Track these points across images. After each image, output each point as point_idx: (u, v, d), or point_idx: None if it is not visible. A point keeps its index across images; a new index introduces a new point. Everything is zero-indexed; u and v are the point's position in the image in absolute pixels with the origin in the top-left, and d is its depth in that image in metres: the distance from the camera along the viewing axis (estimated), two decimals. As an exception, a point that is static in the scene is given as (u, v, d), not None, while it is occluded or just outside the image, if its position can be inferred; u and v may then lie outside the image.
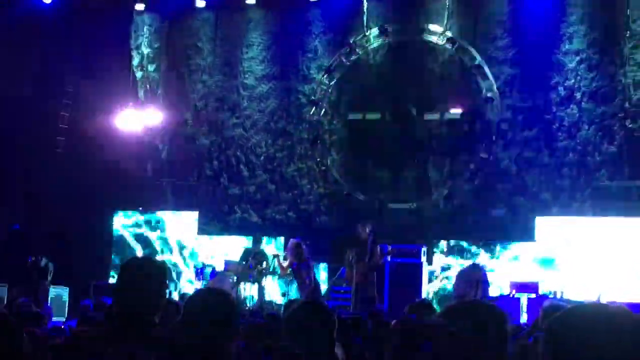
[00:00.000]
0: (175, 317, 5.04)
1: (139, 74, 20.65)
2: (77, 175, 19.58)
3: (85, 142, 19.87)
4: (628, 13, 17.65)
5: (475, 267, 15.93)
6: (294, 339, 4.47)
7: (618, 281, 16.76)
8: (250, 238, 18.21)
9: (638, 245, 16.92)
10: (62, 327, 9.59)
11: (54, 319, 12.51)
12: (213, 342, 4.12)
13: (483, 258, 17.82)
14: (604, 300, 15.65)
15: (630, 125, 17.51)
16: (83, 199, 19.52)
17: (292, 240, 16.53)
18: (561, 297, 16.16)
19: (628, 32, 17.65)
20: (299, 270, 16.17)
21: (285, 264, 16.47)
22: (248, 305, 16.43)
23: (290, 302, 8.75)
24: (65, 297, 17.61)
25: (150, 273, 4.56)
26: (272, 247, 18.60)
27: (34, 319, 8.60)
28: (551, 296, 16.01)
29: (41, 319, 8.87)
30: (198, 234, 19.89)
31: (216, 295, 4.42)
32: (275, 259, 16.98)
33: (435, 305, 14.08)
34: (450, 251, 18.24)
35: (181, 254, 19.83)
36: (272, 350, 4.21)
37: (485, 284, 15.52)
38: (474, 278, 15.25)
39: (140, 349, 4.25)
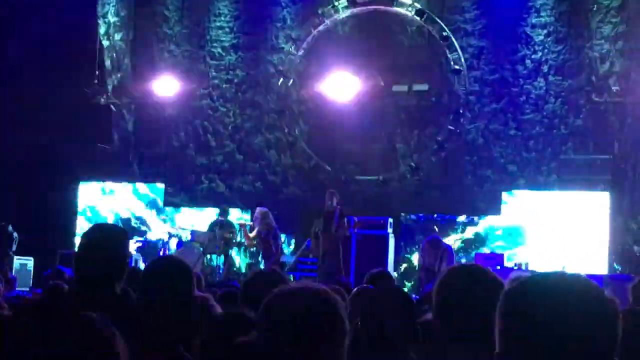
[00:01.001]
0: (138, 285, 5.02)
1: (105, 43, 20.45)
2: (41, 144, 19.41)
3: (52, 110, 19.69)
4: (595, -14, 17.69)
5: (438, 240, 16.03)
6: (251, 307, 4.46)
7: (582, 254, 16.94)
8: (217, 209, 18.17)
9: (601, 218, 17.10)
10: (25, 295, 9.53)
11: (18, 288, 12.43)
12: (173, 312, 4.11)
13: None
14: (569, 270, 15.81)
15: (596, 99, 17.60)
16: (48, 168, 19.37)
17: (259, 209, 16.52)
18: (526, 268, 16.30)
19: (595, 5, 17.70)
20: (267, 239, 16.17)
21: (252, 234, 16.47)
22: (215, 275, 16.43)
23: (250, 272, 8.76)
24: (30, 267, 17.52)
25: (111, 240, 4.54)
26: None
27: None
28: (516, 268, 16.15)
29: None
30: (164, 205, 19.84)
31: (173, 263, 4.42)
32: (242, 229, 16.97)
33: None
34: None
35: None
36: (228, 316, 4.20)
37: (451, 255, 15.65)
38: (439, 250, 15.36)
39: (99, 316, 4.22)
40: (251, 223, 16.85)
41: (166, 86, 19.81)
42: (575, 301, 2.08)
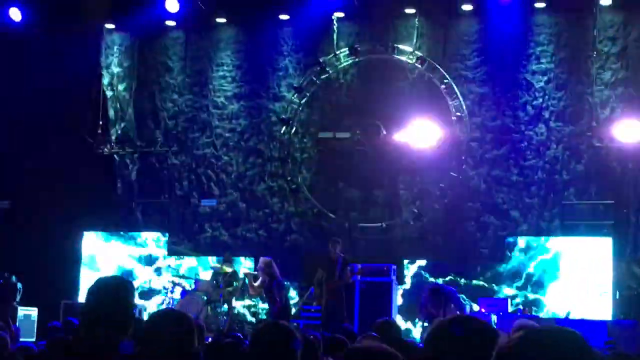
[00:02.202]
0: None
1: (109, 93, 20.59)
2: (46, 194, 19.48)
3: (56, 159, 19.79)
4: (595, 33, 17.84)
5: (439, 287, 15.97)
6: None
7: (586, 298, 16.94)
8: (221, 258, 18.14)
9: (604, 263, 17.11)
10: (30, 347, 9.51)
11: (22, 339, 12.41)
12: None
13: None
14: (573, 316, 15.79)
15: (597, 144, 17.67)
16: (51, 218, 19.41)
17: (263, 258, 16.50)
18: (531, 314, 16.27)
19: (595, 52, 17.84)
20: (270, 289, 16.14)
21: (256, 283, 16.44)
22: (219, 325, 16.39)
23: (258, 323, 8.76)
24: (34, 317, 17.48)
25: (117, 293, 4.55)
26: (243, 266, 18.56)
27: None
28: (519, 314, 16.12)
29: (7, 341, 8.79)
30: (168, 254, 19.85)
31: (173, 315, 4.44)
32: (247, 278, 16.95)
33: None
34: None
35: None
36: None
37: (454, 298, 15.57)
38: (442, 297, 15.30)
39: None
40: (256, 272, 16.81)
41: (168, 135, 19.92)
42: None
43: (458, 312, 15.04)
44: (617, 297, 16.75)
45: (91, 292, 4.63)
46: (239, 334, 9.66)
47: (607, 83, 17.83)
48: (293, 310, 16.89)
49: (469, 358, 3.16)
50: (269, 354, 4.40)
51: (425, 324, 16.04)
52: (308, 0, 18.82)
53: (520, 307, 16.94)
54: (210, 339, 8.79)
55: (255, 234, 19.64)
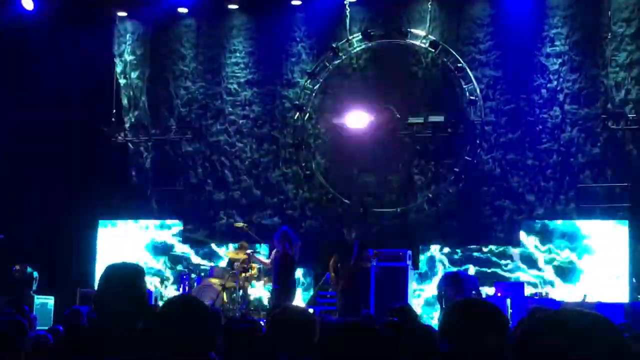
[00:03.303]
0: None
1: (122, 81, 20.61)
2: (61, 182, 19.55)
3: (69, 148, 19.86)
4: (609, 15, 17.72)
5: (457, 273, 15.96)
6: (277, 344, 4.48)
7: (602, 282, 16.88)
8: (236, 245, 18.13)
9: (620, 246, 17.04)
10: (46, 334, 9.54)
11: (39, 328, 12.45)
12: (187, 352, 4.10)
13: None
14: (589, 300, 15.73)
15: (612, 127, 17.58)
16: (67, 207, 19.47)
17: (281, 230, 16.45)
18: (546, 297, 16.23)
19: (610, 33, 17.72)
20: (285, 258, 16.04)
21: (267, 260, 16.48)
22: (234, 311, 16.40)
23: (274, 308, 8.74)
24: (51, 306, 17.55)
25: (129, 279, 4.55)
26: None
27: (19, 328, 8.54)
28: (536, 297, 16.09)
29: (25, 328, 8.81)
30: (183, 242, 19.88)
31: (189, 303, 4.42)
32: (253, 257, 16.85)
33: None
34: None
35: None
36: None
37: (473, 286, 15.54)
38: (459, 283, 15.29)
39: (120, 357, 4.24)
40: (272, 244, 16.63)
41: (182, 123, 19.96)
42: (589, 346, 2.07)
43: (474, 293, 15.05)
44: (634, 280, 16.66)
45: (103, 278, 4.63)
46: (257, 319, 9.67)
47: (622, 65, 17.72)
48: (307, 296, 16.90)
49: (482, 342, 3.13)
50: (287, 337, 4.40)
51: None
52: (320, -15, 18.79)
53: (537, 291, 16.88)
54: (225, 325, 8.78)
55: (270, 220, 19.64)
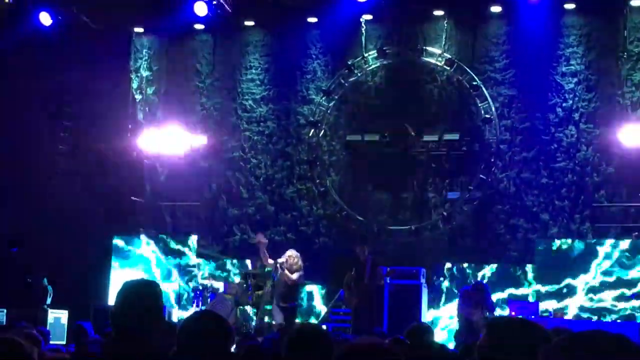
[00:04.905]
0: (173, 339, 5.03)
1: (138, 97, 20.68)
2: (76, 197, 19.60)
3: (85, 163, 19.92)
4: (625, 34, 17.72)
5: (476, 288, 15.95)
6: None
7: (616, 302, 16.82)
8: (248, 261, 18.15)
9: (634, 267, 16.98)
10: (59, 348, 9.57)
11: (52, 342, 12.47)
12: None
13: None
14: (604, 319, 15.69)
15: (628, 146, 17.53)
16: (82, 221, 19.51)
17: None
18: (561, 317, 16.18)
19: (625, 53, 17.71)
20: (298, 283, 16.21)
21: (294, 275, 16.22)
22: (247, 327, 16.39)
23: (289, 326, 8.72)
24: (65, 321, 17.56)
25: (145, 295, 4.56)
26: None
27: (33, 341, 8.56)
28: (550, 316, 16.04)
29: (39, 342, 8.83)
30: (197, 257, 19.88)
31: (210, 319, 4.43)
32: (281, 267, 16.59)
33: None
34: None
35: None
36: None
37: (487, 302, 15.52)
38: (474, 299, 15.28)
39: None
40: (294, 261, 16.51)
41: (197, 139, 20.03)
42: None
43: (487, 314, 15.03)
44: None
45: (119, 294, 4.65)
46: (270, 336, 9.65)
47: (638, 84, 17.72)
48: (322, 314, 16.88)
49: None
50: (306, 355, 4.41)
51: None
52: (336, 2, 18.79)
53: (551, 310, 16.83)
54: (237, 341, 8.79)
55: (284, 237, 19.64)
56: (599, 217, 17.76)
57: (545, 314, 16.30)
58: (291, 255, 16.26)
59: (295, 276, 16.07)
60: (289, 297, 16.07)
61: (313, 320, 18.11)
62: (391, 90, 19.33)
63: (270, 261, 16.35)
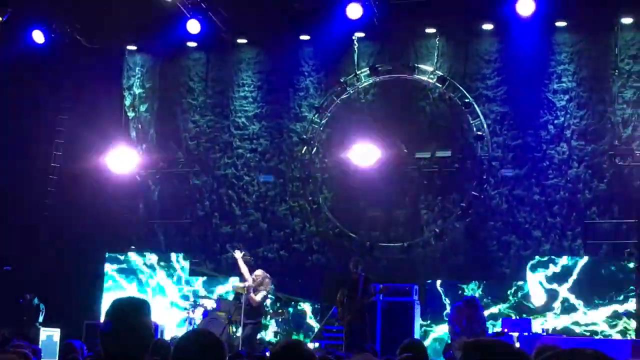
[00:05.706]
0: (166, 356, 5.05)
1: (131, 114, 20.70)
2: (69, 215, 19.59)
3: (77, 181, 19.90)
4: (616, 51, 17.79)
5: (466, 303, 15.91)
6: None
7: (608, 319, 16.80)
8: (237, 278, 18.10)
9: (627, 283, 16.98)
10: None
11: (45, 360, 12.44)
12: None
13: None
14: (595, 337, 15.68)
15: (619, 163, 17.59)
16: (74, 239, 19.50)
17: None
18: (553, 334, 16.17)
19: (617, 70, 17.78)
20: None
21: (257, 297, 16.36)
22: (240, 345, 16.34)
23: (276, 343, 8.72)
24: (57, 339, 17.51)
25: (134, 313, 4.56)
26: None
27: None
28: (543, 333, 16.03)
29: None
30: (189, 275, 19.85)
31: (205, 338, 4.43)
32: (245, 290, 16.65)
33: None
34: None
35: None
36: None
37: (475, 318, 15.46)
38: (463, 315, 15.23)
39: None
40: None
41: (190, 156, 20.03)
42: None
43: (479, 331, 14.99)
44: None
45: (108, 313, 4.64)
46: (261, 354, 9.65)
47: (629, 101, 17.78)
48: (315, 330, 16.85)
49: None
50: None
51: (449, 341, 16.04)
52: (328, 20, 18.84)
53: (543, 327, 16.83)
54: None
55: (276, 254, 19.63)
56: (591, 234, 17.78)
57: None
58: (258, 275, 16.49)
59: (258, 298, 16.27)
60: (251, 314, 16.19)
61: (306, 337, 18.08)
62: (383, 108, 19.36)
63: (248, 277, 16.47)
